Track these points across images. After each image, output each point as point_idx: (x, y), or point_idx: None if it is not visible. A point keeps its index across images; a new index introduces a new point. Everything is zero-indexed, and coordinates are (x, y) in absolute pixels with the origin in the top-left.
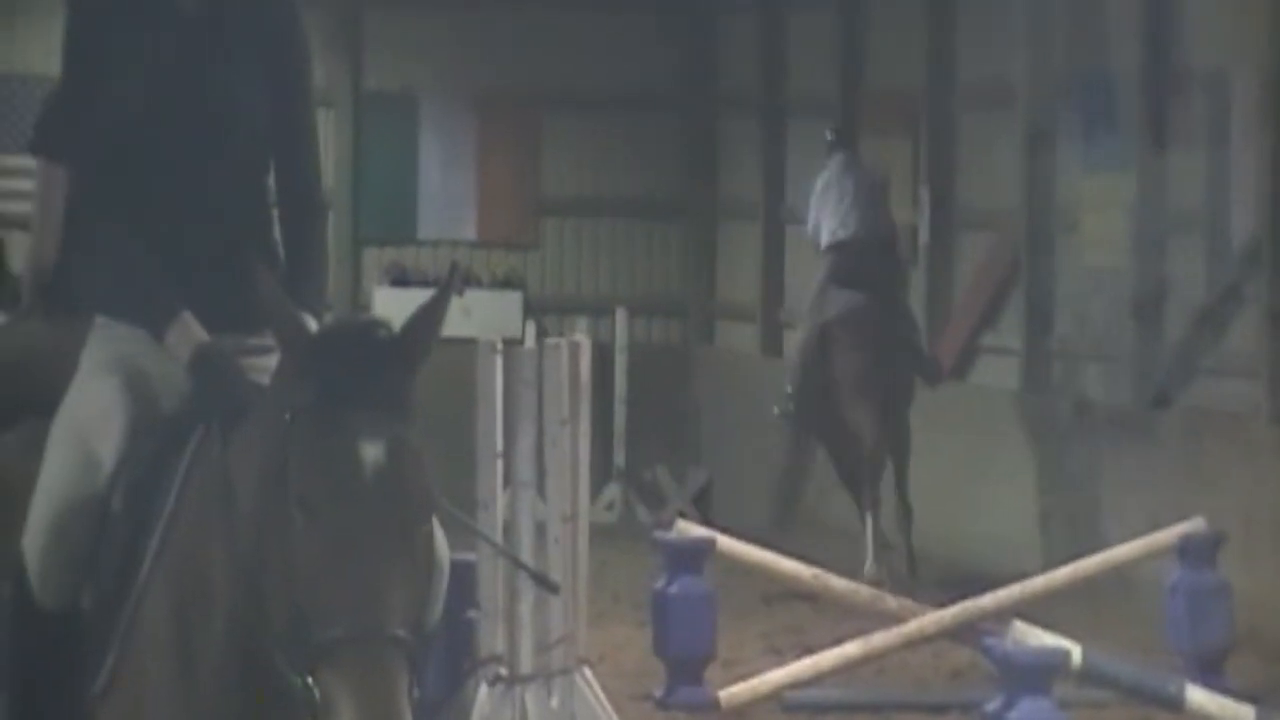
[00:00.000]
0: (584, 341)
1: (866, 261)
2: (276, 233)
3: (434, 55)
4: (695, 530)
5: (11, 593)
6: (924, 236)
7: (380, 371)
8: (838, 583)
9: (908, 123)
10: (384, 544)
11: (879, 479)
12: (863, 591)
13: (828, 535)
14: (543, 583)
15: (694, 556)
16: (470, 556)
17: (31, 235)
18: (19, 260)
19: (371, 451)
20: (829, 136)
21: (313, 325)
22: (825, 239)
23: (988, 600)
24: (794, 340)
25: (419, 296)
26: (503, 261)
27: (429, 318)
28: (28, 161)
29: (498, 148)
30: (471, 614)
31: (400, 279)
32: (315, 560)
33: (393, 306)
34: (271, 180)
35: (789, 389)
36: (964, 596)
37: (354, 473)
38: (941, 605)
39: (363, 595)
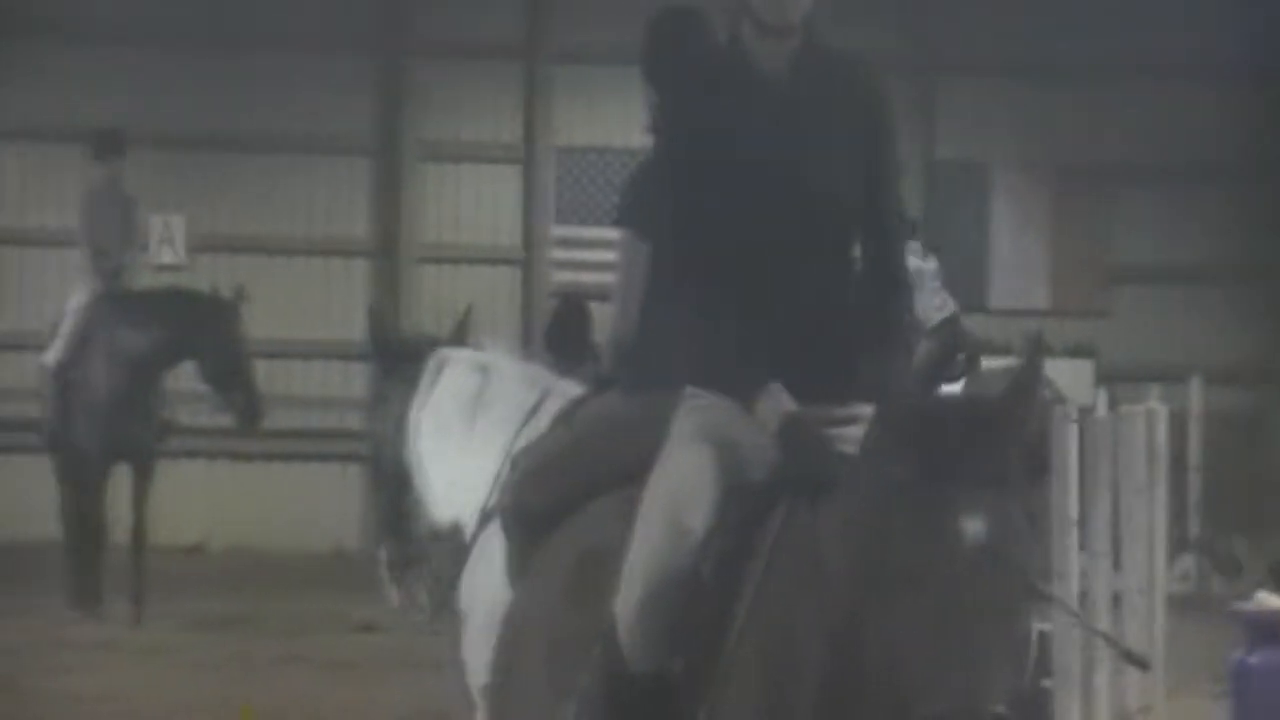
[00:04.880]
0: (1160, 410)
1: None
2: (862, 304)
3: (1006, 124)
4: (1276, 601)
5: (602, 655)
6: None
7: (982, 445)
8: None
9: None
10: (987, 620)
11: None
12: None
13: None
14: (1132, 660)
15: (1274, 628)
16: (1044, 625)
17: (613, 306)
18: (599, 331)
19: (975, 526)
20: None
21: (912, 399)
22: (935, 318)
23: None
24: None
25: (991, 366)
26: (1075, 330)
27: (1024, 389)
28: (601, 233)
29: (1070, 216)
30: (1047, 683)
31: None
32: (917, 635)
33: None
34: (857, 251)
35: None
36: None
37: (958, 548)
38: None
39: (966, 671)
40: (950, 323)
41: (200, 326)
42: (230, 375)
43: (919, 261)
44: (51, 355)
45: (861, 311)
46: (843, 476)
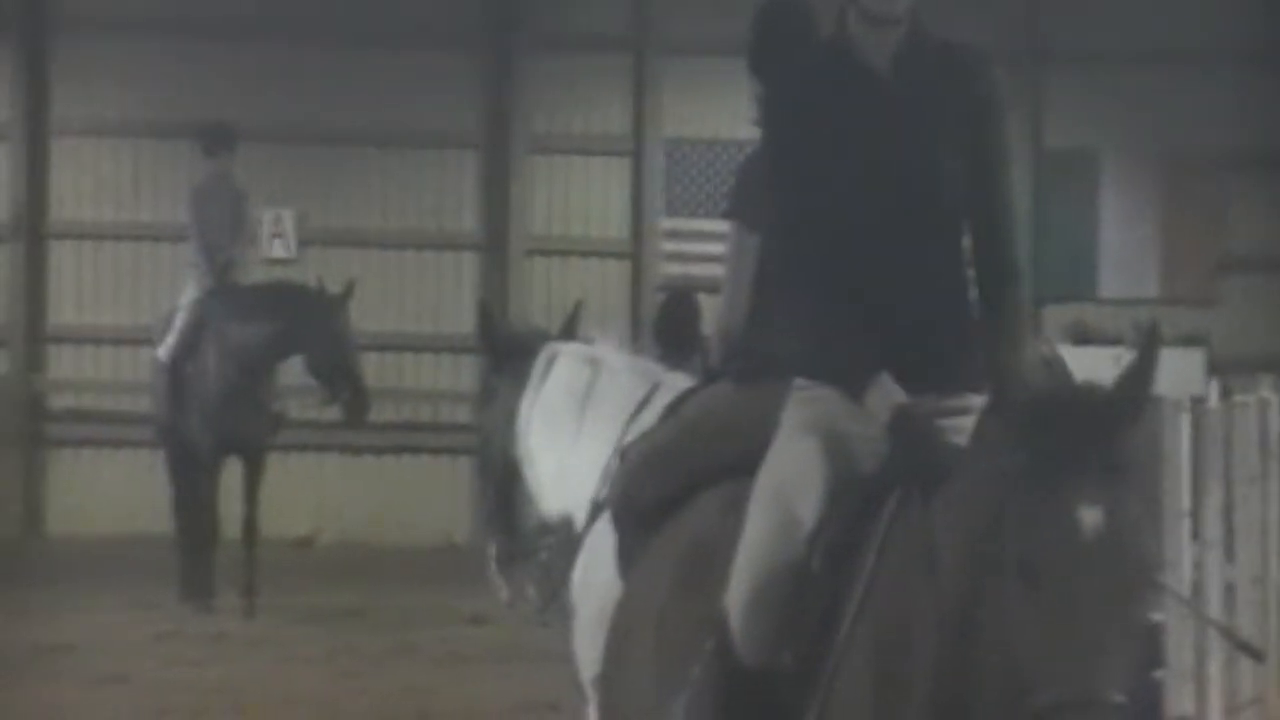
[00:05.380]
0: (1272, 399)
1: None
2: (972, 295)
3: (1116, 111)
4: None
5: (714, 648)
6: None
7: (1098, 435)
8: None
9: None
10: (1105, 609)
11: None
12: None
13: None
14: (1247, 650)
15: None
16: (1156, 616)
17: (722, 298)
18: (708, 324)
19: (1093, 517)
20: None
21: (1025, 388)
22: None
23: None
24: None
25: (1100, 355)
26: (1186, 319)
27: (1140, 379)
28: (710, 225)
29: (1181, 204)
30: (1159, 674)
31: (1081, 337)
32: (1034, 624)
33: (1074, 365)
34: (967, 242)
35: None
36: None
37: (1075, 538)
38: None
39: (1083, 661)
40: None
41: (307, 321)
42: (337, 369)
43: None
44: (164, 349)
45: (973, 301)
46: (955, 467)
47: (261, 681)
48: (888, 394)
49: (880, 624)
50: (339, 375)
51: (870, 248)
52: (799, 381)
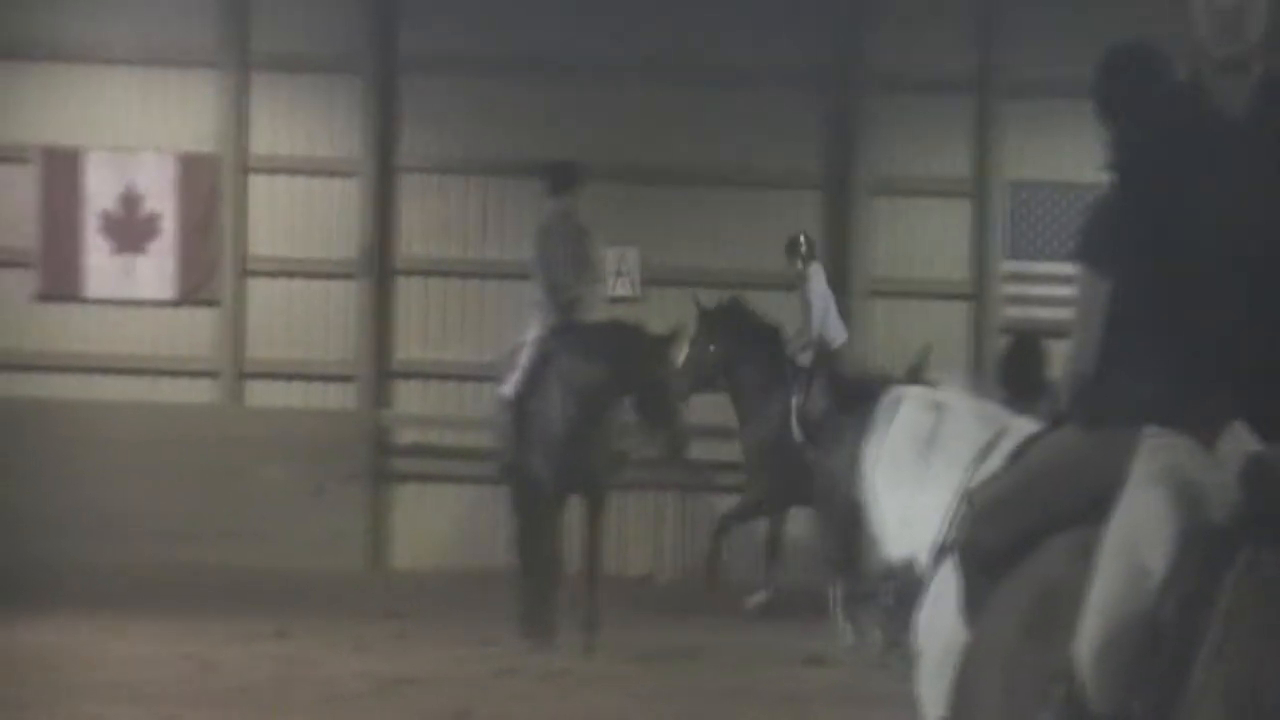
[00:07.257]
0: None
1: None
2: None
3: None
4: None
5: (1063, 696)
6: None
7: None
8: None
9: None
10: None
11: None
12: None
13: None
14: None
15: None
16: None
17: (1072, 342)
18: (1053, 367)
19: None
20: (802, 247)
21: None
22: (834, 344)
23: None
24: None
25: None
26: None
27: None
28: (1053, 268)
29: None
30: None
31: None
32: None
33: None
34: None
35: None
36: None
37: None
38: None
39: None
40: (842, 352)
41: (634, 361)
42: (656, 410)
43: (825, 286)
44: (510, 386)
45: None
46: None
47: (600, 719)
48: (1241, 442)
49: (1233, 677)
50: (657, 416)
51: (1223, 295)
52: (1150, 429)
